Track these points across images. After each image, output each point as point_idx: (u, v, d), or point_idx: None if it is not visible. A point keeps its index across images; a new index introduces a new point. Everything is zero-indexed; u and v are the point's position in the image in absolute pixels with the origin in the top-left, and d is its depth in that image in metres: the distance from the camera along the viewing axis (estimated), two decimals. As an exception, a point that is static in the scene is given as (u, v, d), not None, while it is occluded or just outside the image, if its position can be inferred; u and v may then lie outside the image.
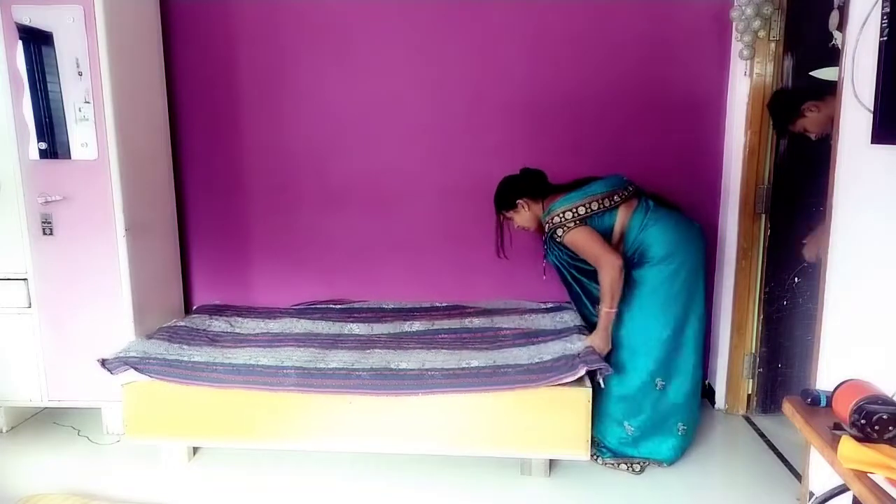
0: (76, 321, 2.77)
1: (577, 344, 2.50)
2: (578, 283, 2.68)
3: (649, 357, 2.51)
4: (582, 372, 2.33)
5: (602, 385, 2.44)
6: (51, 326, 2.78)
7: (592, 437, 2.44)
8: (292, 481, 2.53)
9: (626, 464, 2.58)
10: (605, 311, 2.47)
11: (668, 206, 2.62)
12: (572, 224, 2.46)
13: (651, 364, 2.51)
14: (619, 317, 2.52)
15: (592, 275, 2.57)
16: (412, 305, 3.23)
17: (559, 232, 2.49)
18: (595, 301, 2.60)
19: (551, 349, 2.51)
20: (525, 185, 2.63)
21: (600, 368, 2.35)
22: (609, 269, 2.41)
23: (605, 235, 2.52)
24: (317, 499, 2.43)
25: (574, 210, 2.49)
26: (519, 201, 2.63)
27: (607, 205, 2.50)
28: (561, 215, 2.49)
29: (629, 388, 2.53)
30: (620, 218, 2.53)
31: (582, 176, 2.65)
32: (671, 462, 2.59)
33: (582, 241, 2.46)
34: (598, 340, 2.48)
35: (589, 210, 2.49)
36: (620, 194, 2.54)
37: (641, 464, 2.58)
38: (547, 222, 2.54)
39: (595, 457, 2.58)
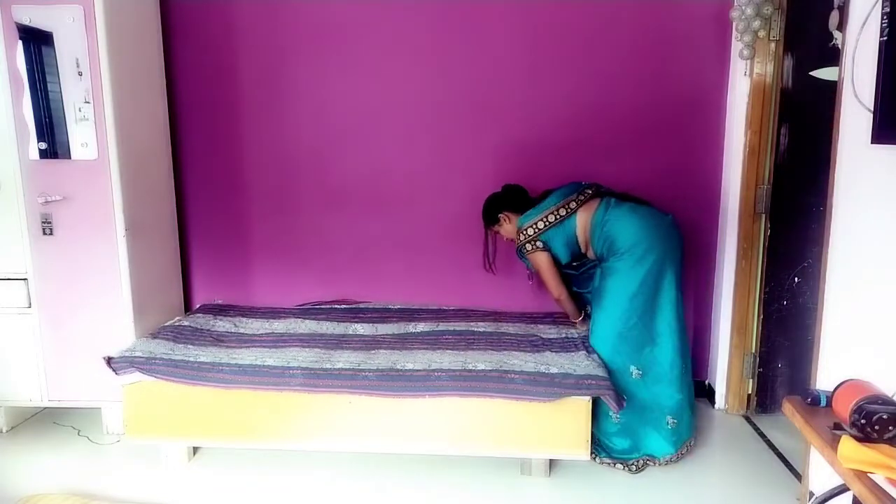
0: (76, 321, 2.77)
1: (584, 362, 2.49)
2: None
3: (617, 343, 2.56)
4: (587, 399, 2.36)
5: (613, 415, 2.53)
6: (51, 326, 2.78)
7: (592, 435, 2.45)
8: (292, 481, 2.53)
9: (622, 463, 2.58)
10: (573, 322, 2.93)
11: (634, 201, 2.70)
12: (531, 246, 2.74)
13: (622, 352, 2.55)
14: (595, 306, 2.70)
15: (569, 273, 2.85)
16: (417, 307, 3.23)
17: (528, 247, 2.75)
18: (575, 295, 2.90)
19: (557, 361, 2.50)
20: (506, 200, 2.86)
21: (609, 398, 2.36)
22: (556, 298, 2.85)
23: (571, 241, 2.72)
24: (317, 498, 2.43)
25: (534, 226, 2.72)
26: (500, 215, 2.85)
27: (563, 214, 2.69)
28: (524, 231, 2.74)
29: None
30: (581, 221, 2.69)
31: (571, 181, 2.82)
32: (667, 457, 2.59)
33: (538, 264, 2.77)
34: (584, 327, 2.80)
35: (547, 223, 2.70)
36: (577, 200, 2.70)
37: (637, 463, 2.58)
38: (518, 236, 2.79)
39: (594, 455, 2.58)
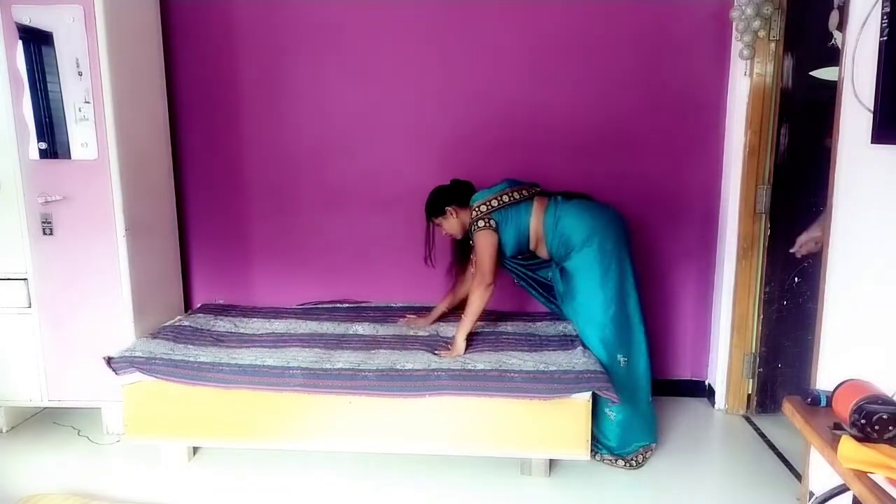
0: (76, 321, 2.77)
1: (581, 359, 2.50)
2: (525, 278, 2.91)
3: (604, 336, 2.59)
4: (588, 396, 2.35)
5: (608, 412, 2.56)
6: (51, 326, 2.78)
7: (592, 434, 2.45)
8: (293, 481, 2.53)
9: (623, 459, 2.59)
10: (465, 320, 2.65)
11: (578, 197, 2.75)
12: (483, 223, 2.65)
13: (608, 342, 2.58)
14: (568, 308, 2.73)
15: (535, 265, 2.87)
16: (418, 306, 3.23)
17: (473, 228, 2.68)
18: (546, 287, 2.88)
19: (556, 360, 2.50)
20: (454, 194, 2.79)
21: (607, 396, 2.36)
22: (479, 283, 2.64)
23: (522, 232, 2.70)
24: (317, 498, 2.43)
25: (488, 203, 2.67)
26: (448, 208, 2.77)
27: (517, 197, 2.68)
28: (477, 208, 2.68)
29: None
30: (535, 215, 2.69)
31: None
32: (654, 445, 2.68)
33: (482, 243, 2.65)
34: (452, 355, 2.58)
35: (501, 202, 2.67)
36: (528, 189, 2.74)
37: (637, 458, 2.60)
38: (471, 215, 2.72)
39: (594, 453, 2.59)
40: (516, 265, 2.88)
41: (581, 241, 2.61)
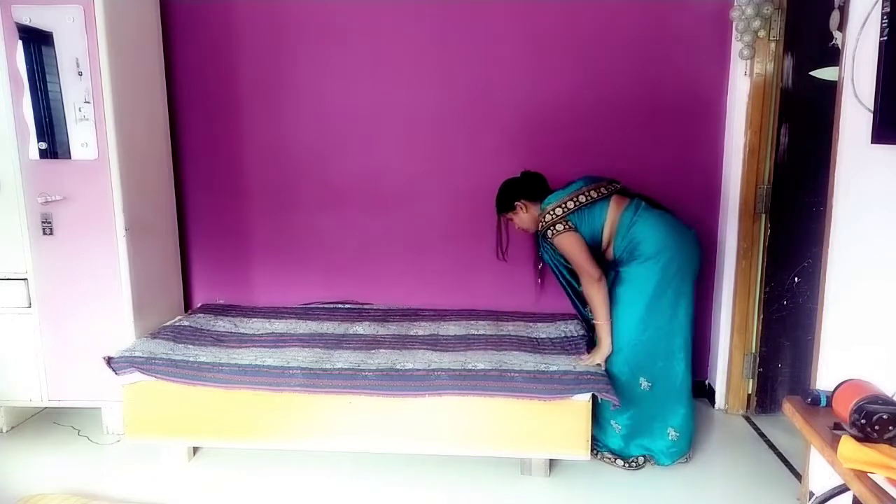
0: (76, 321, 2.77)
1: (583, 360, 2.50)
2: (570, 285, 2.72)
3: (631, 355, 2.51)
4: (587, 396, 2.35)
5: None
6: (51, 326, 2.78)
7: (592, 434, 2.45)
8: (292, 481, 2.53)
9: (622, 459, 2.59)
10: (600, 324, 2.54)
11: (661, 208, 2.61)
12: (561, 226, 2.51)
13: (632, 362, 2.51)
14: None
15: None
16: (417, 308, 3.23)
17: (549, 233, 2.54)
18: (584, 302, 2.66)
19: (557, 361, 2.50)
20: (524, 187, 2.67)
21: (607, 398, 2.35)
22: (588, 282, 2.51)
23: (596, 233, 2.56)
24: (317, 498, 2.43)
25: (563, 205, 2.53)
26: (517, 203, 2.67)
27: (594, 196, 2.54)
28: (552, 212, 2.54)
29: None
30: (610, 214, 2.55)
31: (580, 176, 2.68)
32: (666, 465, 2.59)
33: (569, 246, 2.52)
34: (598, 357, 2.52)
35: (577, 203, 2.53)
36: (606, 187, 2.59)
37: (637, 461, 2.58)
38: (540, 220, 2.59)
39: (595, 452, 2.59)
40: (563, 269, 2.70)
41: (648, 253, 2.46)
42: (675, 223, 2.56)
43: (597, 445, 2.60)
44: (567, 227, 2.51)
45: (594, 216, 2.55)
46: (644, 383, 2.52)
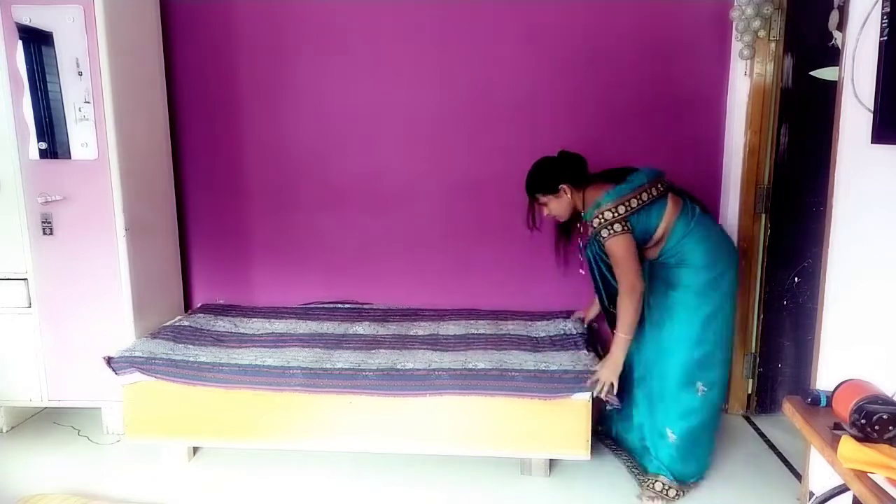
0: (76, 321, 2.77)
1: (583, 360, 2.50)
2: (604, 280, 2.48)
3: (692, 368, 2.35)
4: (588, 395, 2.36)
5: (611, 407, 2.48)
6: (51, 326, 2.78)
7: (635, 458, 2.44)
8: (292, 481, 2.53)
9: (676, 486, 2.39)
10: (620, 336, 2.33)
11: (708, 213, 2.49)
12: (620, 227, 2.27)
13: (692, 372, 2.36)
14: (658, 316, 2.40)
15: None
16: (417, 307, 3.23)
17: (606, 232, 2.28)
18: (612, 299, 2.46)
19: (557, 359, 2.51)
20: (568, 170, 2.43)
21: (608, 401, 2.36)
22: (629, 292, 2.28)
23: (648, 234, 2.35)
24: (317, 498, 2.43)
25: (626, 203, 2.28)
26: (562, 186, 2.41)
27: (654, 194, 2.32)
28: (613, 210, 2.28)
29: (666, 390, 2.39)
30: (667, 216, 2.34)
31: (613, 167, 2.54)
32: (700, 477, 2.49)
33: (623, 250, 2.27)
34: (605, 371, 2.34)
35: (640, 201, 2.30)
36: (662, 183, 2.38)
37: (679, 489, 2.39)
38: (596, 216, 2.31)
39: (644, 482, 2.42)
40: (606, 268, 2.44)
41: (702, 263, 2.31)
42: (722, 231, 2.48)
43: (641, 467, 2.45)
44: (625, 228, 2.27)
45: (651, 217, 2.34)
46: (700, 388, 2.36)
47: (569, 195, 2.42)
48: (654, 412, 2.44)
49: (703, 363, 2.35)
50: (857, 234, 1.84)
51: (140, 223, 2.83)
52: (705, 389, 2.37)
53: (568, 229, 2.61)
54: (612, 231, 2.27)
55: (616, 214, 2.27)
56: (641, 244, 2.35)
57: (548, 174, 2.46)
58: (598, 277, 2.50)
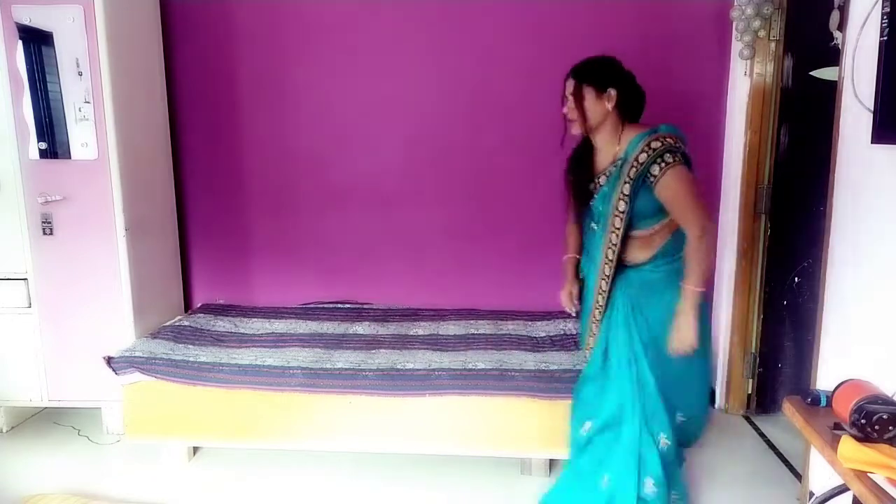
0: (76, 321, 2.77)
1: (583, 360, 2.49)
2: (612, 242, 2.02)
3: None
4: None
5: None
6: (51, 326, 2.78)
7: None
8: (292, 481, 2.53)
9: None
10: (692, 289, 1.91)
11: None
12: (670, 158, 1.87)
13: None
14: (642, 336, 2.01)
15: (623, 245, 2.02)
16: (417, 307, 3.24)
17: (655, 169, 1.88)
18: (592, 260, 2.09)
19: (557, 360, 2.51)
20: (625, 85, 2.03)
21: None
22: (701, 236, 1.88)
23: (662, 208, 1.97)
24: (317, 498, 2.43)
25: (675, 138, 1.94)
26: (612, 89, 1.99)
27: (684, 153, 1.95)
28: (664, 139, 1.91)
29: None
30: None
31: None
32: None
33: (682, 185, 1.89)
34: (685, 334, 1.93)
35: (680, 141, 1.96)
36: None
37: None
38: (643, 149, 1.91)
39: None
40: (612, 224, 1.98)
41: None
42: None
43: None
44: (679, 159, 1.89)
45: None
46: (679, 417, 2.11)
47: (610, 106, 1.99)
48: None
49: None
50: (857, 234, 1.84)
51: (140, 223, 2.83)
52: (682, 419, 2.13)
53: (584, 190, 2.10)
54: (664, 162, 1.87)
55: (665, 143, 1.90)
56: (642, 217, 1.98)
57: (606, 69, 2.04)
58: (607, 236, 2.02)
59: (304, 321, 3.04)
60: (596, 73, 2.04)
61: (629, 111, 2.04)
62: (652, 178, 1.91)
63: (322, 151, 3.25)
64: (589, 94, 2.02)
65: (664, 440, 2.00)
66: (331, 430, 2.48)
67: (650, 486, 1.97)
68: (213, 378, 2.44)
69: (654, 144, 1.91)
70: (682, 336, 1.94)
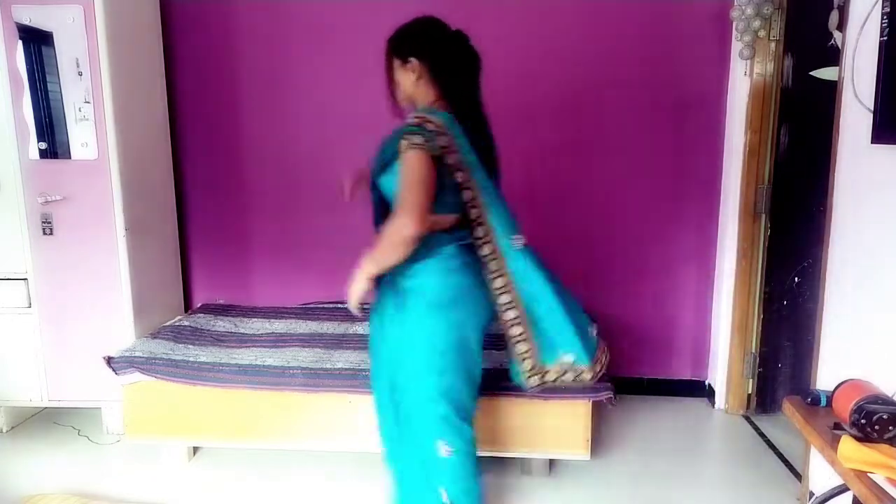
0: (76, 321, 2.77)
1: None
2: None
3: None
4: (587, 400, 2.35)
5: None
6: (51, 326, 2.78)
7: None
8: (293, 481, 2.53)
9: None
10: (367, 260, 1.76)
11: None
12: (420, 139, 1.65)
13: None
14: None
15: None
16: None
17: (409, 137, 1.67)
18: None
19: None
20: (439, 54, 1.82)
21: (609, 397, 2.34)
22: (401, 227, 1.63)
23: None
24: (317, 498, 2.43)
25: (434, 118, 1.71)
26: (414, 59, 1.80)
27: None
28: (425, 117, 1.72)
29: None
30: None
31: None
32: None
33: (413, 169, 1.65)
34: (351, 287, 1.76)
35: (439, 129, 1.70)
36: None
37: None
38: (412, 117, 1.75)
39: None
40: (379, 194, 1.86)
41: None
42: None
43: None
44: (417, 143, 1.64)
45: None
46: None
47: (415, 78, 1.81)
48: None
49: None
50: (857, 234, 1.84)
51: (140, 223, 2.82)
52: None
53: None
54: (405, 140, 1.67)
55: (417, 120, 1.72)
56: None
57: (409, 36, 1.88)
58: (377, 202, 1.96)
59: (304, 321, 3.04)
60: (399, 40, 1.87)
61: (450, 85, 1.83)
62: (402, 147, 1.67)
63: (322, 151, 3.24)
64: (396, 66, 1.84)
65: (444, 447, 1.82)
66: (331, 430, 2.48)
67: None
68: (213, 378, 2.44)
69: (410, 119, 1.72)
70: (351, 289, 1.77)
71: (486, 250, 1.82)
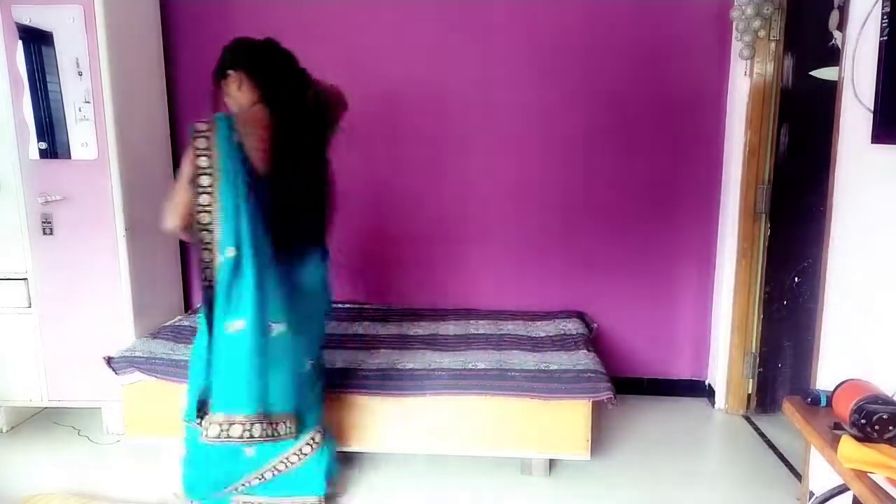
0: (76, 321, 2.77)
1: (583, 360, 2.50)
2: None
3: None
4: (587, 400, 2.35)
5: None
6: (51, 326, 2.78)
7: None
8: (292, 481, 2.52)
9: None
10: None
11: None
12: (195, 142, 1.80)
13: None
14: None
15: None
16: (417, 307, 3.23)
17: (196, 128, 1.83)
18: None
19: (557, 359, 2.51)
20: (259, 68, 1.94)
21: (609, 397, 2.35)
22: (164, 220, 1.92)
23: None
24: (317, 499, 2.42)
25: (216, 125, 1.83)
26: (233, 72, 1.94)
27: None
28: (207, 126, 1.85)
29: None
30: None
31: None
32: None
33: (182, 166, 1.86)
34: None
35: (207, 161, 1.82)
36: None
37: None
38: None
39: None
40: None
41: None
42: None
43: None
44: (200, 142, 1.81)
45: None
46: None
47: (235, 91, 1.95)
48: None
49: None
50: (857, 234, 1.84)
51: (140, 223, 2.82)
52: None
53: None
54: (198, 133, 1.86)
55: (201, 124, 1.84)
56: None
57: (229, 52, 1.98)
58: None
59: (304, 321, 3.04)
60: (224, 56, 2.00)
61: (274, 99, 1.94)
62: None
63: (322, 151, 3.24)
64: (224, 86, 1.99)
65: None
66: (331, 431, 2.48)
67: None
68: (213, 378, 2.44)
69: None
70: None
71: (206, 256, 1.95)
